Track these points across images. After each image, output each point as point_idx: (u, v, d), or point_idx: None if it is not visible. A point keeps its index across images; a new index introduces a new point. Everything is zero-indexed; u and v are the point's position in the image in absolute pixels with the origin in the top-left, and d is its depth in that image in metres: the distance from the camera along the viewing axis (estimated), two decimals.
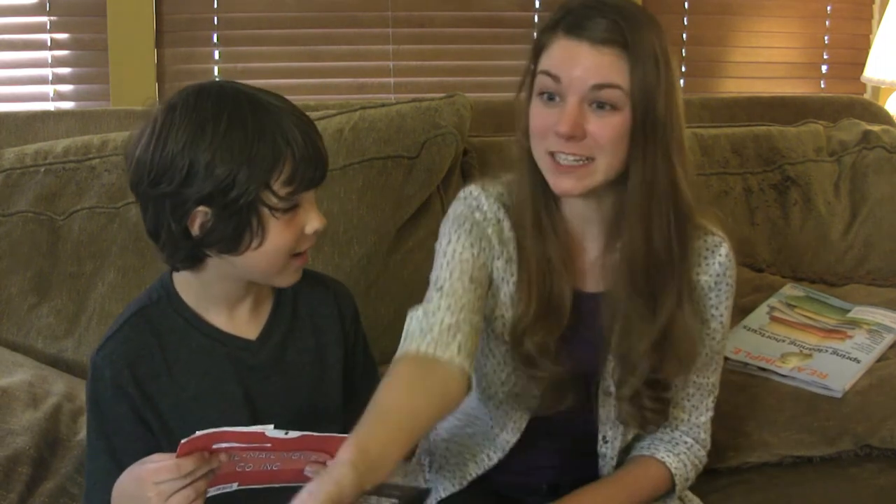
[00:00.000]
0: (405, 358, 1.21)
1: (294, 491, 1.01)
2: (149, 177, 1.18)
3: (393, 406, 1.13)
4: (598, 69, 1.20)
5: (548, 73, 1.23)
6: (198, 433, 1.04)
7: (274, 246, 1.20)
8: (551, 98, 1.24)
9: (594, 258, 1.35)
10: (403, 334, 1.24)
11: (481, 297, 1.29)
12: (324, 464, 1.12)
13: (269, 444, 1.07)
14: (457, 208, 1.35)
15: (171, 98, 1.20)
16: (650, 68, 1.20)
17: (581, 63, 1.21)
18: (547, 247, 1.31)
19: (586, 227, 1.33)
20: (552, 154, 1.24)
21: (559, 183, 1.25)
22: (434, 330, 1.21)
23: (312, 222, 1.23)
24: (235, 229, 1.18)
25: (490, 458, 1.43)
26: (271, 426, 1.05)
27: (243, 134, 1.16)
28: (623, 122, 1.21)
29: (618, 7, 1.22)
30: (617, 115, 1.21)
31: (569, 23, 1.22)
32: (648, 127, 1.21)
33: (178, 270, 1.26)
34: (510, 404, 1.39)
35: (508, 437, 1.41)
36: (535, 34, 1.28)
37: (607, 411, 1.37)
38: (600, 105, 1.21)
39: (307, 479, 1.07)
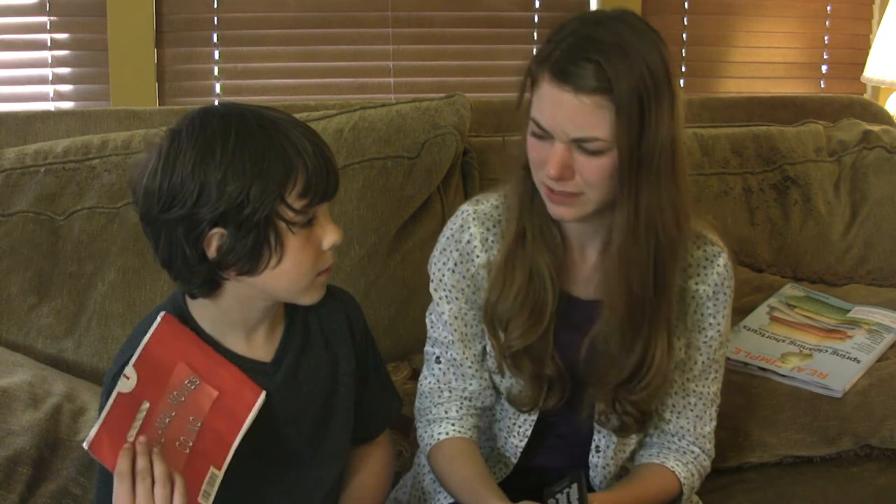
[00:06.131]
0: (444, 443, 1.39)
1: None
2: (159, 204, 1.15)
3: (471, 474, 1.33)
4: (580, 122, 1.20)
5: (536, 122, 1.25)
6: (84, 444, 1.03)
7: (293, 263, 1.18)
8: (542, 137, 1.25)
9: (591, 267, 1.36)
10: (417, 408, 1.45)
11: (478, 349, 1.40)
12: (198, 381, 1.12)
13: (146, 403, 1.03)
14: (446, 232, 1.39)
15: (174, 125, 1.18)
16: (634, 111, 1.19)
17: (563, 114, 1.21)
18: (535, 255, 1.32)
19: (585, 239, 1.35)
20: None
21: (555, 210, 1.28)
22: (450, 417, 1.40)
23: (329, 237, 1.21)
24: (253, 248, 1.15)
25: (496, 475, 1.43)
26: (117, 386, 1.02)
27: (253, 149, 1.14)
28: (610, 162, 1.22)
29: (605, 45, 1.19)
30: (603, 157, 1.22)
31: (555, 65, 1.21)
32: (636, 164, 1.22)
33: (194, 297, 1.23)
34: (511, 408, 1.40)
35: (516, 441, 1.42)
36: (530, 61, 1.27)
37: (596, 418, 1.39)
38: (586, 149, 1.22)
39: (242, 413, 1.16)
